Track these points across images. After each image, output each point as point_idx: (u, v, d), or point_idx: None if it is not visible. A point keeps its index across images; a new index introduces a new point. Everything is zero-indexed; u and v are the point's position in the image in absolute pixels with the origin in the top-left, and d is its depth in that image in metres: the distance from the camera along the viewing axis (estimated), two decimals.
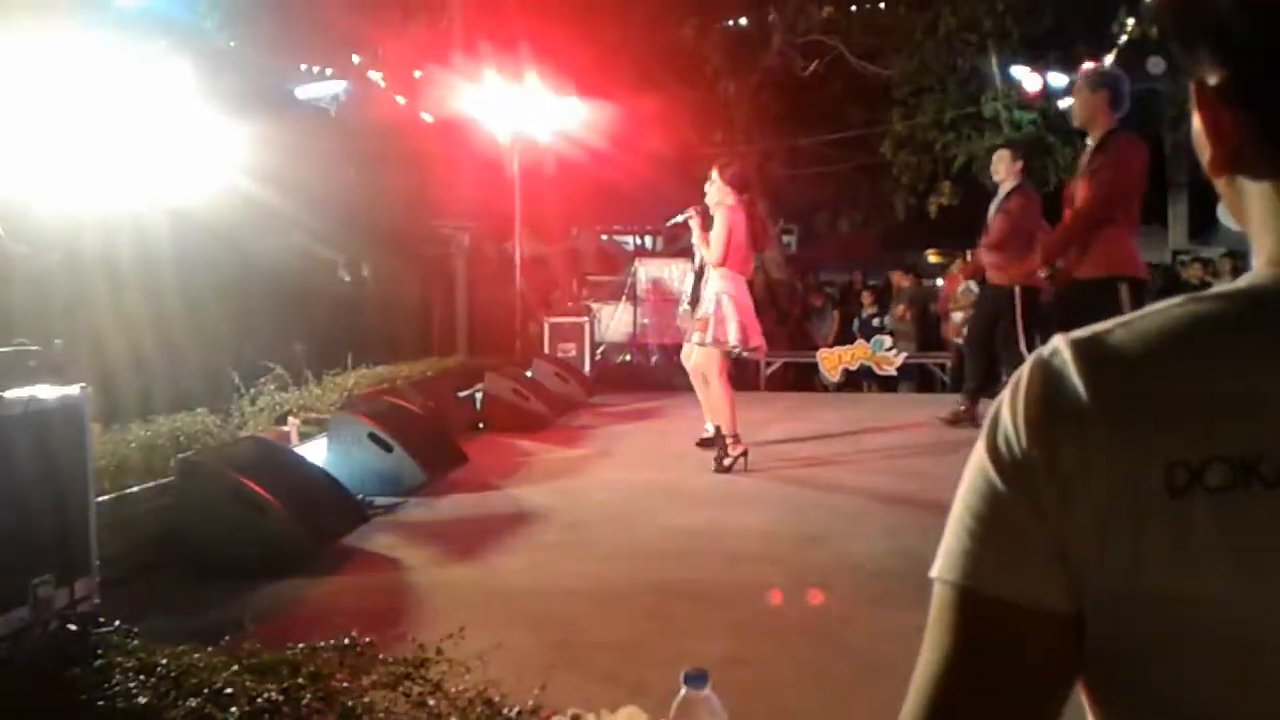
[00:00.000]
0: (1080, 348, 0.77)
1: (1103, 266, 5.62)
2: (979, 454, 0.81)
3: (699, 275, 7.42)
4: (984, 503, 0.79)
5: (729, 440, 6.88)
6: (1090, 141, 5.84)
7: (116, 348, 7.09)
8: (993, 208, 8.16)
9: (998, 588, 0.77)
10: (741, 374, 12.37)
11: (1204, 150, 0.81)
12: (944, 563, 0.80)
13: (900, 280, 13.55)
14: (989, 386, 8.18)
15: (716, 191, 7.07)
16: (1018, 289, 7.79)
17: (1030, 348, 7.71)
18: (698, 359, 7.10)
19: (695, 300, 7.40)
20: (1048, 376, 0.78)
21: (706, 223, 7.44)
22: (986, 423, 0.81)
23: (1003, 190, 8.15)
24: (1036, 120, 14.61)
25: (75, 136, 6.52)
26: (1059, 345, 0.79)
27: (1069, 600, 0.76)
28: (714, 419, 7.14)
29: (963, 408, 8.38)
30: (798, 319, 14.10)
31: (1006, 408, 0.79)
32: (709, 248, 7.02)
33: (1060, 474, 0.75)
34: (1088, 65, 11.00)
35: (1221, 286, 0.78)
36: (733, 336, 6.90)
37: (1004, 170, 8.17)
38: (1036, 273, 6.74)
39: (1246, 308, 0.76)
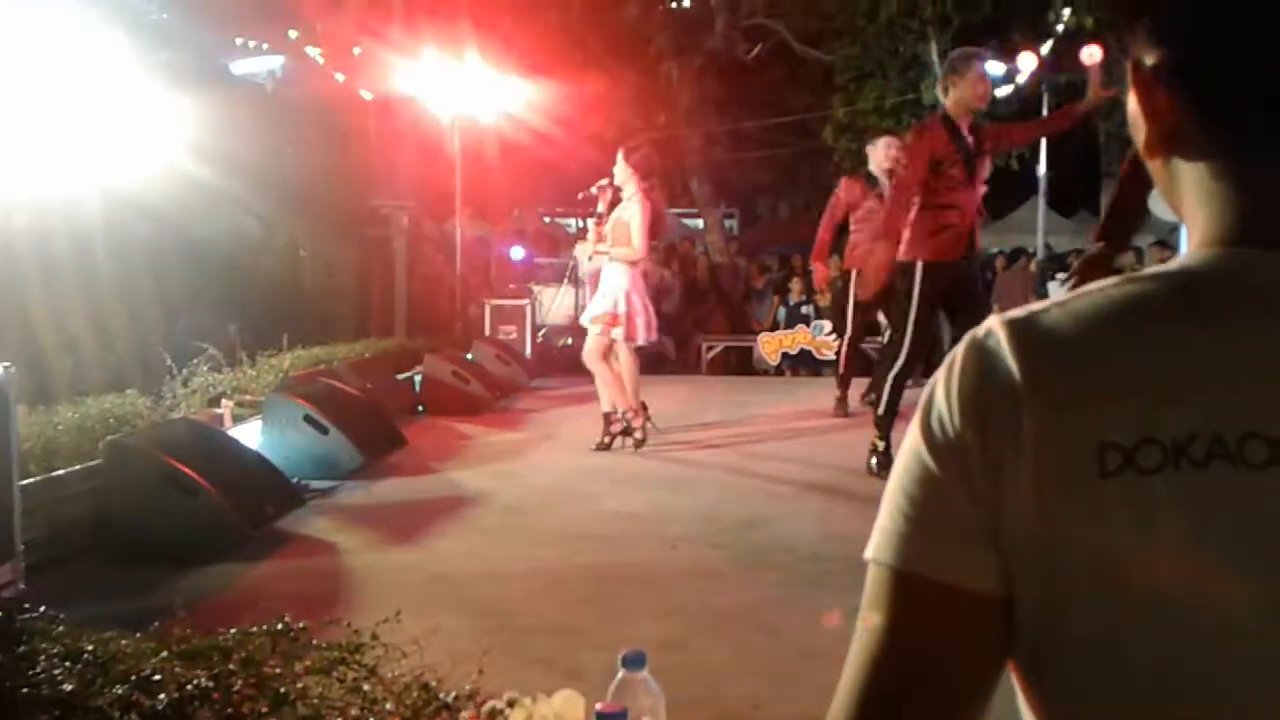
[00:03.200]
0: (1014, 328, 0.77)
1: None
2: (913, 435, 0.80)
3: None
4: (917, 484, 0.78)
5: (629, 415, 6.95)
6: None
7: (45, 328, 6.93)
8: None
9: (930, 570, 0.77)
10: (682, 358, 12.43)
11: (1139, 130, 0.81)
12: (878, 544, 0.80)
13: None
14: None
15: (620, 174, 7.00)
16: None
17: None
18: (589, 345, 7.05)
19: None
20: (981, 357, 0.77)
21: (614, 202, 7.39)
22: (920, 404, 0.81)
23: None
24: None
25: (4, 111, 6.34)
26: (993, 326, 0.78)
27: (1001, 582, 0.75)
28: (614, 401, 7.09)
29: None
30: (738, 302, 14.14)
31: (940, 389, 0.79)
32: (626, 242, 6.88)
33: (993, 456, 0.75)
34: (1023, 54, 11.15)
35: (1156, 268, 0.78)
36: (641, 335, 6.94)
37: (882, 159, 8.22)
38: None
39: (1180, 289, 0.76)
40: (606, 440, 6.97)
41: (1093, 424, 0.72)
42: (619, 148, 7.44)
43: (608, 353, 6.97)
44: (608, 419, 6.99)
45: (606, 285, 7.00)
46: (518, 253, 14.12)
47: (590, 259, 7.41)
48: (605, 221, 7.17)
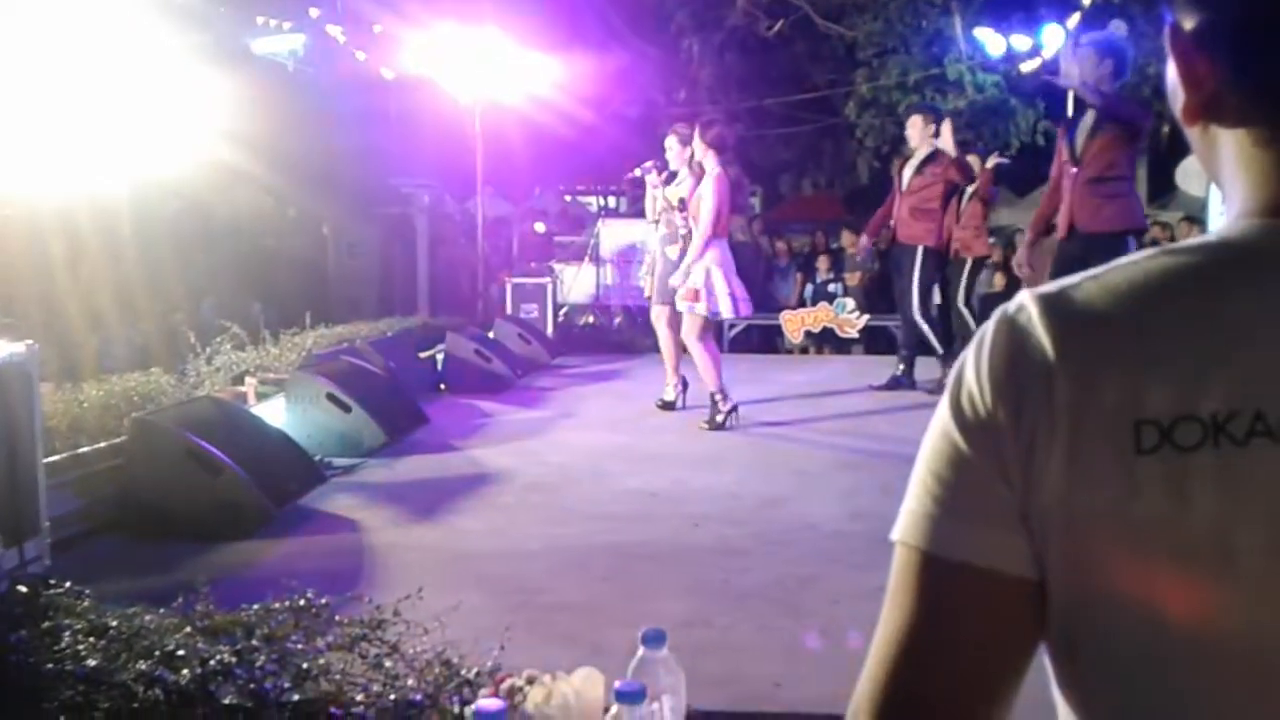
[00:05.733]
0: (1046, 303, 0.75)
1: (1115, 221, 5.88)
2: (942, 414, 0.78)
3: (672, 239, 7.34)
4: (947, 464, 0.77)
5: (718, 398, 6.91)
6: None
7: (72, 306, 6.98)
8: (909, 171, 8.26)
9: (959, 552, 0.75)
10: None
11: (1177, 97, 0.79)
12: (905, 525, 0.78)
13: (850, 242, 13.59)
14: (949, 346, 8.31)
15: (698, 153, 7.01)
16: (920, 248, 8.12)
17: (923, 309, 7.97)
18: (686, 325, 7.07)
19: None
20: (1013, 333, 0.75)
21: (666, 181, 7.44)
22: (950, 382, 0.79)
23: (920, 154, 8.21)
24: (1000, 82, 14.62)
25: (29, 92, 6.36)
26: (1025, 301, 0.76)
27: (1031, 564, 0.74)
28: (701, 382, 7.13)
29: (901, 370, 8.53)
30: (761, 280, 14.09)
31: (970, 367, 0.77)
32: (698, 219, 6.92)
33: (1025, 434, 0.73)
34: (1075, 31, 11.05)
35: (1193, 239, 0.76)
36: (725, 309, 6.94)
37: (916, 136, 8.23)
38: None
39: (1217, 261, 0.74)
40: (719, 419, 6.90)
41: (1128, 400, 0.70)
42: (673, 126, 7.55)
43: (705, 331, 6.97)
44: (714, 399, 6.96)
45: (692, 261, 7.00)
46: (540, 227, 14.16)
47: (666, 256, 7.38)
48: (660, 204, 7.32)
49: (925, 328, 8.22)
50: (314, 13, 11.49)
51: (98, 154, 7.12)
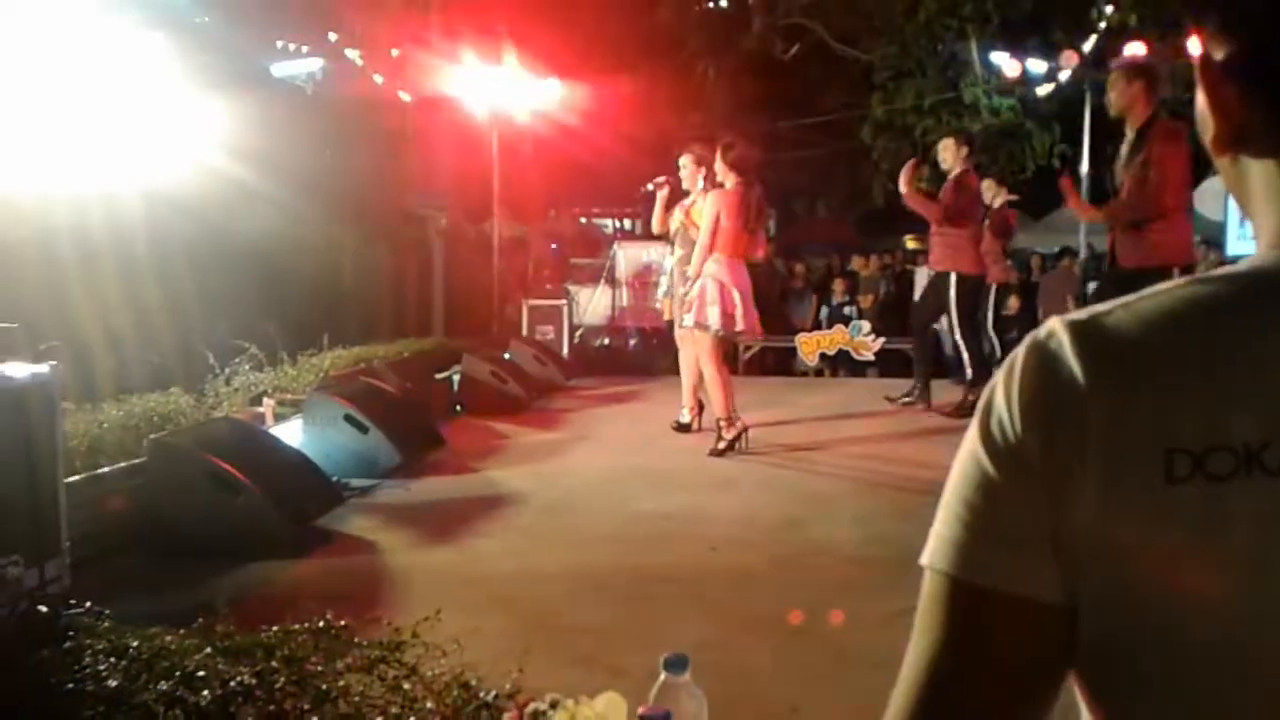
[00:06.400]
0: (1078, 330, 0.75)
1: (1155, 257, 5.70)
2: (972, 439, 0.78)
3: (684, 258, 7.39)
4: (976, 490, 0.77)
5: (722, 423, 6.86)
6: (1129, 131, 5.92)
7: (90, 327, 7.02)
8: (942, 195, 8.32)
9: (990, 578, 0.75)
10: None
11: (1207, 128, 0.79)
12: (935, 550, 0.78)
13: (862, 266, 13.62)
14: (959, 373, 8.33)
15: (719, 174, 7.03)
16: (954, 276, 8.10)
17: (965, 334, 7.96)
18: (698, 345, 7.06)
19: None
20: (1043, 360, 0.75)
21: (675, 199, 7.49)
22: (979, 408, 0.79)
23: (951, 178, 8.26)
24: (1015, 106, 14.64)
25: (47, 112, 6.42)
26: (1055, 327, 0.76)
27: (1062, 591, 0.74)
28: (710, 405, 7.12)
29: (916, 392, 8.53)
30: (776, 302, 14.10)
31: (1000, 393, 0.77)
32: (699, 231, 6.98)
33: (1056, 461, 0.73)
34: (1132, 55, 11.01)
35: (1224, 269, 0.77)
36: (713, 320, 6.88)
37: (950, 158, 8.24)
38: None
39: (1249, 290, 0.74)
40: (721, 446, 6.82)
41: (1160, 429, 0.70)
42: (682, 146, 7.67)
43: (701, 353, 6.96)
44: (719, 425, 6.92)
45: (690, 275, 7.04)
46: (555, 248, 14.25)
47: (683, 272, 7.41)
48: (672, 219, 7.45)
49: (964, 350, 8.19)
50: (333, 36, 11.59)
51: (116, 173, 7.18)
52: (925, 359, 8.72)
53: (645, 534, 5.07)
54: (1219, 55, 0.77)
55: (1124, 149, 5.97)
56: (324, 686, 2.76)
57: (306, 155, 9.87)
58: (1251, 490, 0.68)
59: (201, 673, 2.74)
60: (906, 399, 8.60)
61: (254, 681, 2.72)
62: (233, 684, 2.70)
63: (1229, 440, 0.68)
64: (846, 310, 12.62)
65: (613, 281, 12.34)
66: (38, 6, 6.25)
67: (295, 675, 2.78)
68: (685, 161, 7.44)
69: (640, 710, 1.85)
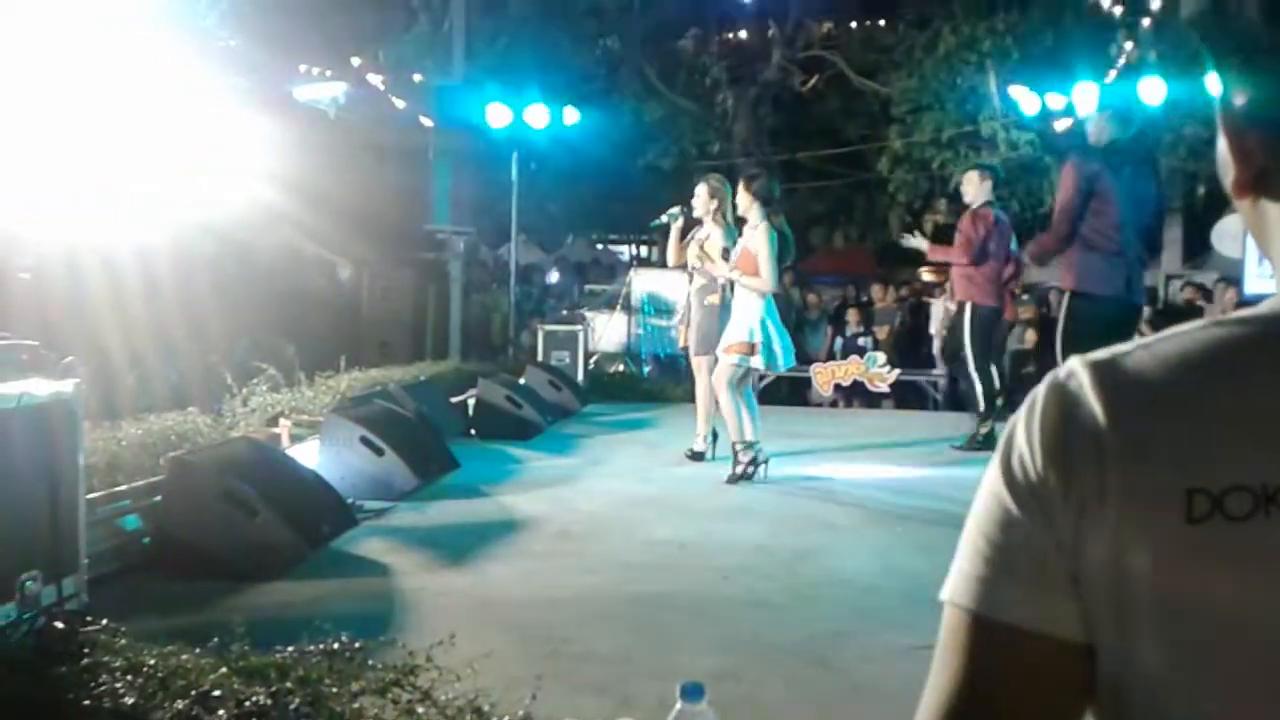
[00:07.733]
0: (1098, 370, 0.76)
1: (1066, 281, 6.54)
2: (992, 476, 0.80)
3: (710, 290, 7.39)
4: (997, 527, 0.78)
5: (739, 448, 6.82)
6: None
7: (111, 345, 7.08)
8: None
9: (1010, 615, 0.76)
10: None
11: (1227, 171, 0.81)
12: (955, 586, 0.79)
13: (880, 298, 13.61)
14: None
15: (742, 205, 7.01)
16: (968, 306, 8.11)
17: (979, 366, 7.92)
18: (719, 372, 7.00)
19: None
20: (1064, 400, 0.77)
21: (686, 230, 7.50)
22: (1000, 445, 0.81)
23: (968, 212, 8.28)
24: (1034, 140, 14.66)
25: (72, 132, 6.50)
26: (1076, 368, 0.78)
27: (1081, 628, 0.75)
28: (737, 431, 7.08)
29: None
30: (791, 333, 14.10)
31: (1021, 431, 0.78)
32: (753, 271, 6.84)
33: (1076, 500, 0.74)
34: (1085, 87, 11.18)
35: (1244, 311, 0.78)
36: (768, 361, 6.89)
37: (972, 191, 8.25)
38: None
39: (1268, 332, 0.75)
40: (738, 471, 6.79)
41: (1179, 469, 0.71)
42: (701, 177, 7.71)
43: (740, 382, 6.95)
44: (734, 450, 6.88)
45: (740, 314, 6.94)
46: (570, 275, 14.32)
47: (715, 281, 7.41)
48: (687, 245, 7.48)
49: (976, 382, 8.14)
50: (355, 61, 11.71)
51: (138, 196, 7.26)
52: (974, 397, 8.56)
53: (658, 562, 5.06)
54: (1239, 101, 0.78)
55: None
56: (338, 709, 2.77)
57: (328, 179, 9.95)
58: (1268, 531, 0.69)
59: (217, 692, 2.76)
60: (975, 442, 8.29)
61: (269, 703, 2.73)
62: (247, 704, 2.72)
63: (1248, 480, 0.69)
64: (861, 341, 12.60)
65: (629, 308, 12.37)
66: (67, 27, 6.34)
67: (310, 697, 2.79)
68: (700, 190, 7.45)
69: None
